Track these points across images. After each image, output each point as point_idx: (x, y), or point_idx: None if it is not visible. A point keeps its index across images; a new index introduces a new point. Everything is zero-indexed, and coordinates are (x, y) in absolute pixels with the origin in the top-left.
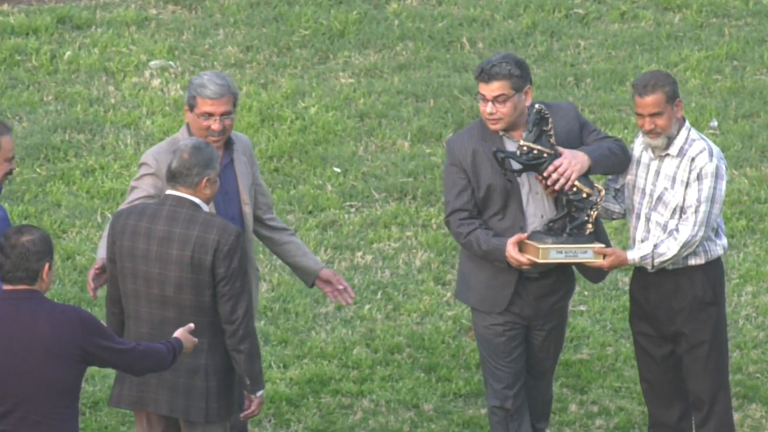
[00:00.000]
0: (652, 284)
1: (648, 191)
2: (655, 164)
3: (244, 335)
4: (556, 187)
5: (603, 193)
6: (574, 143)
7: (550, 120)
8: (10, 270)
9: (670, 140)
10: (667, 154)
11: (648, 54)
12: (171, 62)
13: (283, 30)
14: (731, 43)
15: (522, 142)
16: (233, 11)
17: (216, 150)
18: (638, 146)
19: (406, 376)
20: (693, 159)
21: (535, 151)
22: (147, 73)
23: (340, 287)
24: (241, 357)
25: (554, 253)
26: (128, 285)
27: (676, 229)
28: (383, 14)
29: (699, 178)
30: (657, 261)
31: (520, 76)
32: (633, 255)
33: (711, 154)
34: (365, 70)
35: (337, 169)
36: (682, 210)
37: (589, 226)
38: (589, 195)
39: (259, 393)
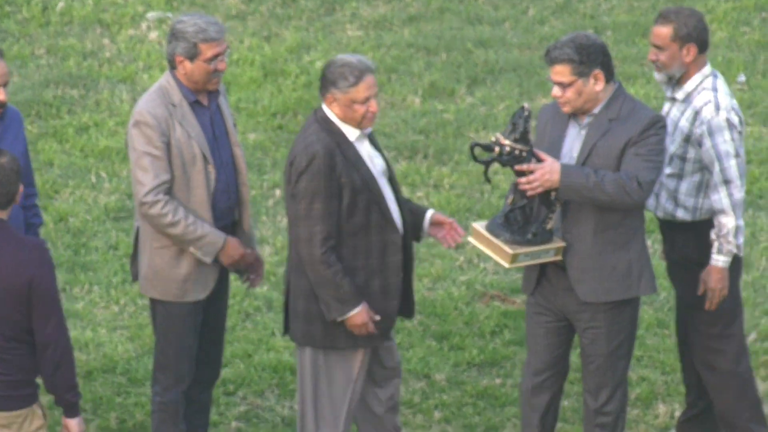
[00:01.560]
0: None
1: None
2: (666, 107)
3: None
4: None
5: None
6: (611, 157)
7: (530, 118)
8: None
9: (672, 81)
10: (674, 98)
11: (672, 4)
12: (169, 13)
13: None
14: None
15: (503, 141)
16: None
17: None
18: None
19: (417, 344)
20: (697, 112)
21: (516, 151)
22: (144, 25)
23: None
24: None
25: (523, 257)
26: None
27: (717, 206)
28: None
29: (710, 133)
30: (729, 242)
31: (580, 62)
32: (717, 258)
33: (717, 107)
34: (374, 22)
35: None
36: (684, 161)
37: (550, 222)
38: (557, 194)
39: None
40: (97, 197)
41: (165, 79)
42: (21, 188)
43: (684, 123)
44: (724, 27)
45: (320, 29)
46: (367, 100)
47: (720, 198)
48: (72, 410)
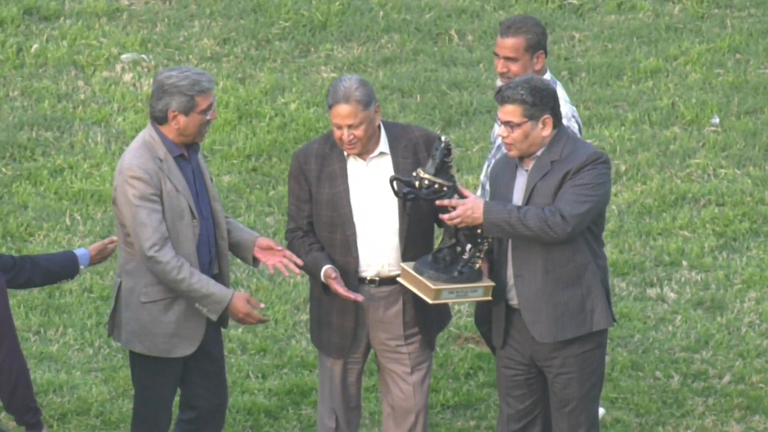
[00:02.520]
0: None
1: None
2: None
3: None
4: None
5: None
6: (550, 195)
7: (452, 151)
8: None
9: None
10: None
11: (646, 47)
12: (144, 55)
13: (261, 22)
14: (734, 35)
15: (422, 174)
16: (209, 2)
17: None
18: None
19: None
20: None
21: (436, 185)
22: (118, 67)
23: (281, 253)
24: None
25: (446, 293)
26: None
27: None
28: (367, 5)
29: None
30: None
31: (533, 104)
32: None
33: (565, 101)
34: (348, 64)
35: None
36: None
37: (479, 261)
38: (483, 231)
39: None
40: (71, 240)
41: (147, 133)
42: None
43: None
44: (698, 69)
45: (295, 71)
46: (338, 127)
47: None
48: (33, 430)
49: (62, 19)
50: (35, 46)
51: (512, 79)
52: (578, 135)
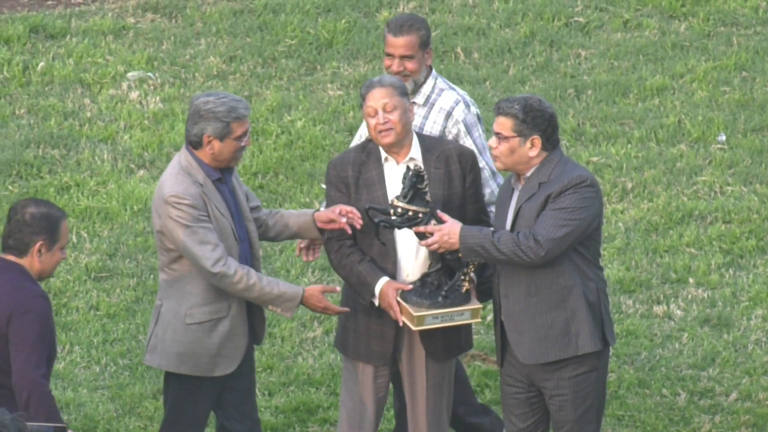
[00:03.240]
0: None
1: None
2: None
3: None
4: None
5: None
6: (533, 218)
7: (425, 177)
8: (5, 236)
9: (417, 86)
10: (414, 102)
11: (652, 64)
12: (150, 73)
13: (267, 39)
14: (740, 53)
15: (396, 203)
16: (215, 20)
17: None
18: None
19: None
20: (450, 113)
21: (410, 213)
22: (125, 85)
23: (342, 216)
24: None
25: (430, 319)
26: None
27: (491, 200)
28: (373, 23)
29: (468, 131)
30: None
31: (523, 121)
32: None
33: (467, 104)
34: (355, 82)
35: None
36: None
37: (466, 284)
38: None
39: None
40: (78, 257)
41: (184, 158)
42: (39, 244)
43: (433, 126)
44: (705, 87)
45: (301, 89)
46: (372, 113)
47: (492, 191)
48: None
49: (68, 37)
50: (41, 64)
51: (406, 76)
52: (479, 124)
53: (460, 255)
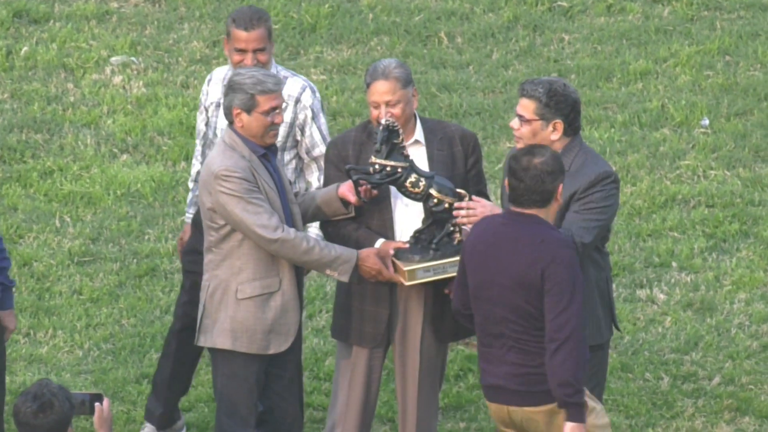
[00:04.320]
0: None
1: None
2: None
3: None
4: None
5: (467, 198)
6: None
7: (400, 132)
8: (523, 193)
9: None
10: None
11: (636, 49)
12: (133, 58)
13: None
14: (723, 37)
15: (373, 159)
16: (199, 4)
17: None
18: None
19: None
20: (298, 99)
21: (388, 168)
22: (108, 70)
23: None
24: None
25: (421, 272)
26: None
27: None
28: (357, 7)
29: (314, 117)
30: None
31: (546, 105)
32: None
33: (313, 90)
34: (338, 67)
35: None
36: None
37: (457, 235)
38: (451, 205)
39: None
40: (61, 242)
41: (227, 136)
42: (560, 186)
43: (288, 115)
44: (688, 71)
45: None
46: (376, 105)
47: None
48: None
49: (52, 21)
50: (25, 48)
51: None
52: (322, 111)
53: (447, 206)
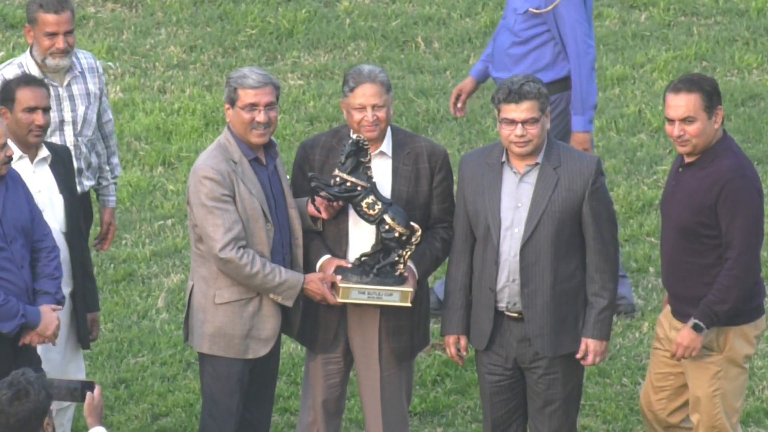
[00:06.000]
0: None
1: None
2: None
3: None
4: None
5: (419, 233)
6: (569, 211)
7: (369, 151)
8: None
9: (71, 59)
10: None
11: (613, 54)
12: (110, 63)
13: (228, 29)
14: (700, 42)
15: (336, 172)
16: (176, 9)
17: None
18: None
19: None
20: (96, 68)
21: (348, 184)
22: None
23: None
24: None
25: (356, 293)
26: None
27: None
28: (334, 12)
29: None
30: None
31: (545, 97)
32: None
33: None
34: (315, 72)
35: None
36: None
37: (400, 267)
38: (401, 235)
39: None
40: None
41: (224, 136)
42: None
43: (91, 87)
44: (665, 76)
45: None
46: (361, 108)
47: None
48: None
49: None
50: (2, 53)
51: (69, 52)
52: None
53: (397, 235)
